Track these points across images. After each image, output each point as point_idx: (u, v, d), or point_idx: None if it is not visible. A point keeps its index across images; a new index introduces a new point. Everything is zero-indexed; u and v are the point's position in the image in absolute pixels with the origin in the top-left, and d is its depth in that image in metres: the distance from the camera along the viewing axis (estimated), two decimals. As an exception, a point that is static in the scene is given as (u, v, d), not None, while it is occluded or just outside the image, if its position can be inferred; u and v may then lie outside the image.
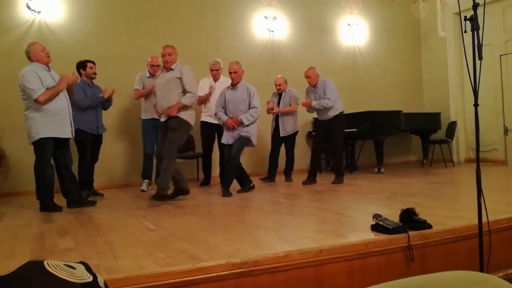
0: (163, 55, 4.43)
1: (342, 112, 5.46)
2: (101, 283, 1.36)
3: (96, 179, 5.22)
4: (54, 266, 1.17)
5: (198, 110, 5.92)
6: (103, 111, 5.11)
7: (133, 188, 5.72)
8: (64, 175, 4.15)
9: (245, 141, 4.91)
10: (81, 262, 1.36)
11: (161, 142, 4.38)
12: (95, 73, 4.96)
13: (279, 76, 6.01)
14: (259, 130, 6.73)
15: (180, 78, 4.36)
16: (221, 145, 5.34)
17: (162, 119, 4.43)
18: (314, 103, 5.38)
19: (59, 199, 4.18)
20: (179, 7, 6.59)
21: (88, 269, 1.34)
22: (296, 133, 5.96)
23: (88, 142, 4.85)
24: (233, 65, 4.98)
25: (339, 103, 5.46)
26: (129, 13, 6.28)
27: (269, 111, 5.88)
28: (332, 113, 5.38)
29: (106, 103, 5.02)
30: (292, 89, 5.95)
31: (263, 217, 3.29)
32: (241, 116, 4.85)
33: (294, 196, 4.49)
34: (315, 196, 4.28)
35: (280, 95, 5.94)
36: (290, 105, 5.87)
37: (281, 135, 5.86)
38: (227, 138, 4.95)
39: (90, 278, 1.27)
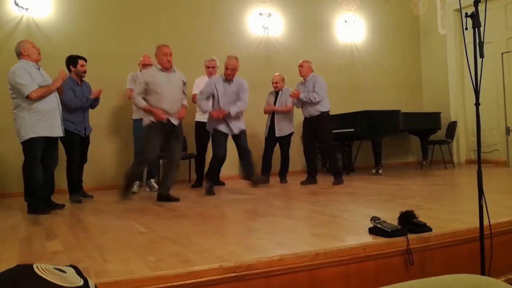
0: (166, 54, 4.33)
1: (328, 111, 5.46)
2: (92, 287, 1.31)
3: (85, 181, 5.11)
4: (44, 269, 1.12)
5: (193, 109, 5.88)
6: (91, 110, 4.98)
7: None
8: (45, 176, 4.04)
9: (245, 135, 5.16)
10: (72, 266, 1.31)
11: (171, 145, 4.44)
12: (85, 71, 4.79)
13: (277, 73, 5.95)
14: (253, 130, 6.70)
15: (184, 83, 4.50)
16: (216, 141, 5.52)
17: (175, 122, 4.40)
18: (302, 95, 5.38)
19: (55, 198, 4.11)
20: (171, 3, 6.51)
21: (79, 272, 1.29)
22: (291, 133, 5.90)
23: (75, 143, 4.70)
24: (233, 61, 4.95)
25: (327, 102, 5.45)
26: (120, 10, 6.20)
27: (266, 110, 5.85)
28: (318, 109, 5.36)
29: (93, 102, 4.90)
30: (290, 88, 5.88)
31: (258, 219, 3.23)
32: (230, 108, 4.89)
33: (290, 198, 4.43)
34: (311, 198, 4.22)
35: (277, 94, 5.88)
36: (286, 104, 5.81)
37: (276, 135, 5.80)
38: (234, 128, 5.00)
39: (81, 282, 1.22)
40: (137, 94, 4.37)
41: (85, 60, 4.81)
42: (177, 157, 4.49)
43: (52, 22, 5.83)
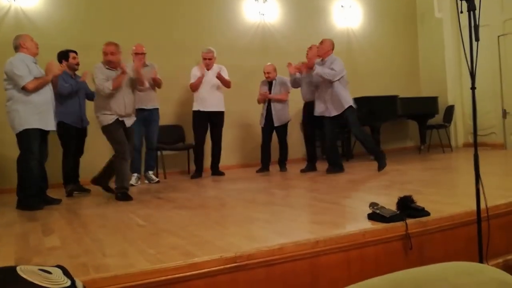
0: (106, 54, 4.22)
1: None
2: (79, 287, 1.30)
3: (82, 174, 5.03)
4: (28, 271, 1.11)
5: (190, 99, 5.84)
6: (88, 102, 4.93)
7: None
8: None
9: None
10: (58, 266, 1.30)
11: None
12: (78, 64, 4.77)
13: (268, 63, 5.89)
14: (250, 119, 6.64)
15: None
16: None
17: (128, 123, 4.36)
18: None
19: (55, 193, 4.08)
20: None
21: (66, 273, 1.28)
22: (288, 121, 5.87)
23: (72, 135, 4.68)
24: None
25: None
26: (110, -1, 6.08)
27: (260, 100, 5.79)
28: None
29: (89, 93, 4.86)
30: (283, 76, 5.83)
31: (258, 209, 3.23)
32: None
33: (289, 186, 4.44)
34: (311, 186, 4.23)
35: (270, 83, 5.83)
36: (281, 93, 5.77)
37: (275, 125, 5.77)
38: None
39: (68, 283, 1.21)
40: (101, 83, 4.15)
41: (75, 52, 4.78)
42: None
43: (41, 12, 5.70)
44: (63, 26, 5.78)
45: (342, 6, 7.70)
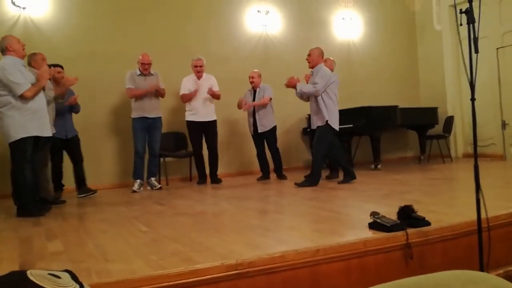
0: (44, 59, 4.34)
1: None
2: (87, 292, 1.31)
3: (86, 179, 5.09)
4: (38, 275, 1.12)
5: (183, 109, 5.88)
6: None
7: (125, 189, 5.62)
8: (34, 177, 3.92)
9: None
10: (66, 270, 1.30)
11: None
12: (63, 78, 4.71)
13: (255, 70, 5.95)
14: (245, 128, 6.66)
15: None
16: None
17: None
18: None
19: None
20: (169, 1, 6.49)
21: (74, 277, 1.29)
22: (274, 127, 5.85)
23: (54, 147, 4.67)
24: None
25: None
26: (118, 8, 6.18)
27: (241, 106, 5.81)
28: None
29: (73, 109, 4.94)
30: (267, 85, 5.86)
31: (258, 217, 3.24)
32: None
33: (290, 194, 4.44)
34: (311, 195, 4.24)
35: (255, 92, 5.86)
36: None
37: (259, 131, 5.78)
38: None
39: (76, 287, 1.22)
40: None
41: (61, 67, 4.83)
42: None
43: (50, 21, 5.80)
44: (71, 35, 5.88)
45: (343, 18, 7.80)
